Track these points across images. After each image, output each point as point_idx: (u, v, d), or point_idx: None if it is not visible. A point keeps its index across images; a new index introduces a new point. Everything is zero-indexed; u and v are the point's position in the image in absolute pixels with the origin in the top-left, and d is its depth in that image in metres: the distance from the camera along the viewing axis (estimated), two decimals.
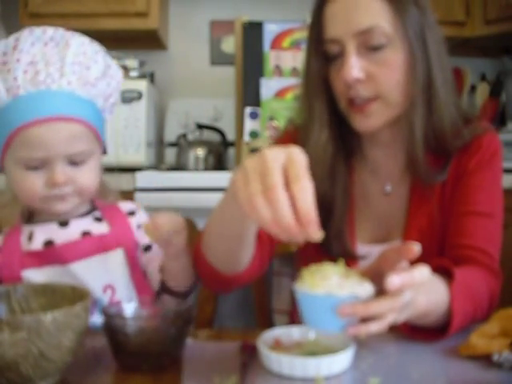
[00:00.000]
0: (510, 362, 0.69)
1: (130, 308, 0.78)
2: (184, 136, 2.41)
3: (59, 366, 0.66)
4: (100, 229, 0.92)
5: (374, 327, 0.68)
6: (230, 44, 2.62)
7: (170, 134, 2.54)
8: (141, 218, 0.98)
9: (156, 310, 0.80)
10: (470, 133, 0.99)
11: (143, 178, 1.97)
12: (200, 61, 2.69)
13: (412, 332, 0.79)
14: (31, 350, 0.61)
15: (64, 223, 0.91)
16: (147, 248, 0.96)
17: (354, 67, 0.91)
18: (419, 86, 0.93)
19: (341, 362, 0.69)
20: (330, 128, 1.00)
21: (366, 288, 0.69)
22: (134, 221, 0.96)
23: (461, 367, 0.71)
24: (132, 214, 0.97)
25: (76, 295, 0.71)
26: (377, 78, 0.92)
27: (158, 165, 2.43)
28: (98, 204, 0.96)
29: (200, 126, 2.44)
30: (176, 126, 2.54)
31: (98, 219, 0.93)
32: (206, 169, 2.28)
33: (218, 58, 2.69)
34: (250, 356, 0.73)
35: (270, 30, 2.28)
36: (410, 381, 0.68)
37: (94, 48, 0.89)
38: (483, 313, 0.85)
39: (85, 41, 0.89)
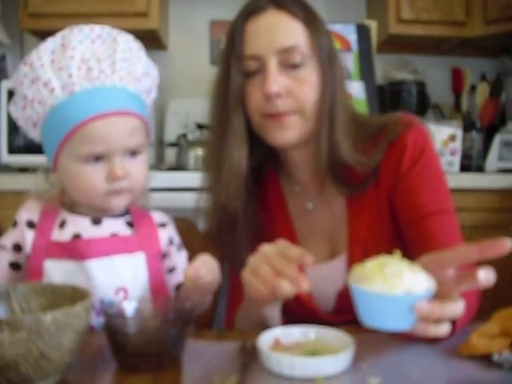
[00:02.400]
0: (509, 362, 0.69)
1: (130, 308, 0.78)
2: (184, 136, 2.41)
3: (59, 366, 0.65)
4: (128, 233, 0.92)
5: (442, 330, 0.67)
6: None
7: (170, 134, 2.53)
8: (171, 232, 0.99)
9: (156, 310, 0.80)
10: (385, 139, 0.99)
11: None
12: (200, 61, 2.68)
13: (411, 338, 0.78)
14: (31, 350, 0.61)
15: (97, 221, 0.91)
16: (171, 270, 0.98)
17: (275, 82, 0.95)
18: (326, 107, 0.97)
19: (341, 362, 0.69)
20: (248, 143, 1.00)
21: (433, 282, 0.67)
22: (164, 233, 0.96)
23: (461, 367, 0.71)
24: (163, 225, 0.97)
25: (76, 295, 0.71)
26: (295, 93, 0.96)
27: (158, 165, 2.43)
28: (131, 209, 0.95)
29: (200, 126, 2.43)
30: (176, 126, 2.54)
31: (129, 224, 0.93)
32: None
33: (218, 58, 2.68)
34: (250, 356, 0.73)
35: None
36: (409, 381, 0.68)
37: (136, 45, 0.91)
38: (475, 308, 0.85)
39: (129, 38, 0.91)
